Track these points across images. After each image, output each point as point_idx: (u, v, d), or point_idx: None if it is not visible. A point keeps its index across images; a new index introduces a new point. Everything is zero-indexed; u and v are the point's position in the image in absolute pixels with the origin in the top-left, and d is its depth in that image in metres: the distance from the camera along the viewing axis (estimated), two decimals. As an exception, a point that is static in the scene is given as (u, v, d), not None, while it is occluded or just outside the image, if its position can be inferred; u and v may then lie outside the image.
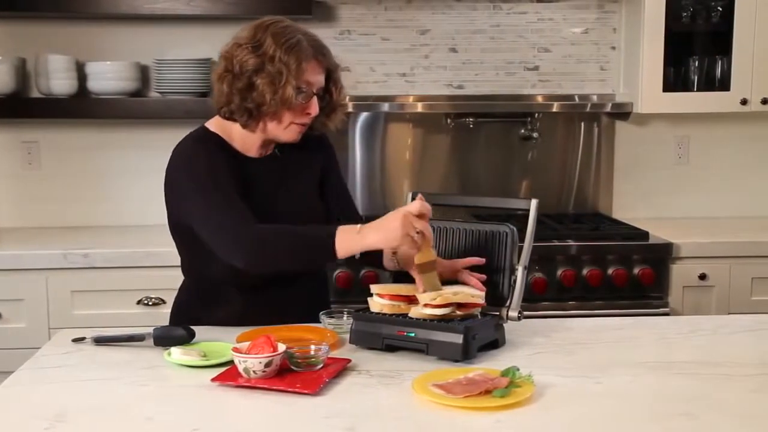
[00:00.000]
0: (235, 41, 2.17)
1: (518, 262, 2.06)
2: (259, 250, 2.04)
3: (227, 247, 2.07)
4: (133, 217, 3.70)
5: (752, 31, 3.54)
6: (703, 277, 3.31)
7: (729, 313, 3.29)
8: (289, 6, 3.47)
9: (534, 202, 2.06)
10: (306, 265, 2.15)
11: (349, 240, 1.98)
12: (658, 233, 3.40)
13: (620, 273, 3.26)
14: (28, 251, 3.21)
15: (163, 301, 3.19)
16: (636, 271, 3.28)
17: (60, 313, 3.16)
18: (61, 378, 1.85)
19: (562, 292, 3.26)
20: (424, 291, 1.97)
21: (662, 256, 3.30)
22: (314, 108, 2.16)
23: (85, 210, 3.71)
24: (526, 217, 2.09)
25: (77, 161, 3.70)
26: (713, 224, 3.73)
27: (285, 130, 2.17)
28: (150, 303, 3.19)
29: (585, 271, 3.27)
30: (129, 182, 3.72)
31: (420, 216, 1.94)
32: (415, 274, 2.01)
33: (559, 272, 3.26)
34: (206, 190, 2.10)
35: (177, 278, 3.16)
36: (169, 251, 3.17)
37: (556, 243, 3.29)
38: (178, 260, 3.16)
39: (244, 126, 2.16)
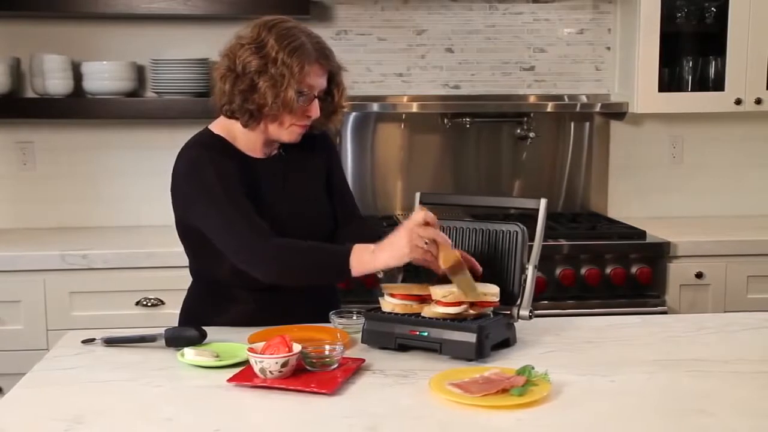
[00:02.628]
0: (238, 40, 2.16)
1: (528, 261, 2.07)
2: (276, 266, 2.09)
3: (246, 261, 2.11)
4: (129, 218, 3.69)
5: (746, 31, 3.57)
6: (699, 275, 3.34)
7: (725, 311, 3.32)
8: (287, 6, 3.46)
9: (543, 202, 2.07)
10: (321, 281, 2.21)
11: (362, 261, 2.01)
12: (653, 232, 3.43)
13: (618, 272, 3.28)
14: (26, 252, 3.18)
15: (162, 302, 3.18)
16: (634, 270, 3.30)
17: (58, 315, 3.15)
18: (75, 379, 1.85)
19: (561, 291, 3.28)
20: (463, 293, 1.94)
21: (659, 254, 3.33)
22: (315, 111, 2.17)
23: (80, 211, 3.69)
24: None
25: (72, 162, 3.68)
26: (708, 223, 3.76)
27: (286, 131, 2.18)
28: (149, 304, 3.18)
29: (583, 270, 3.29)
30: (125, 183, 3.71)
31: (426, 224, 1.95)
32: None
33: (557, 271, 3.27)
34: (219, 203, 2.12)
35: (176, 279, 3.15)
36: (168, 252, 3.20)
37: (555, 242, 3.30)
38: (176, 261, 3.16)
39: (245, 125, 2.17)
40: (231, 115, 2.17)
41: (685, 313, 3.26)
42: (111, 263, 3.17)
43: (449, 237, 2.07)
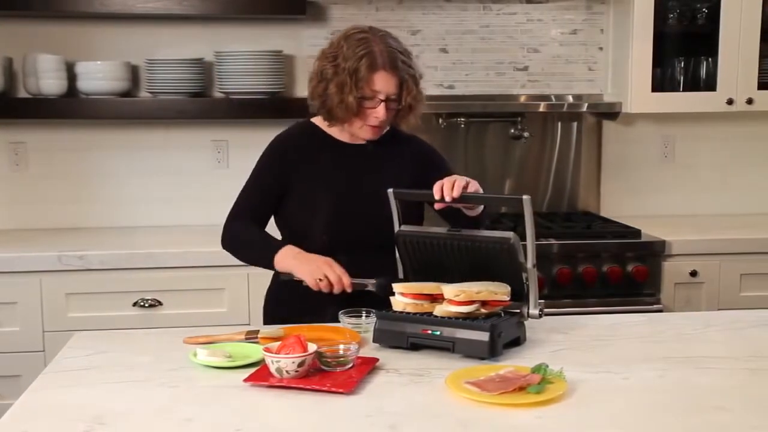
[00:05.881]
0: (325, 48, 2.38)
1: (526, 261, 2.05)
2: (225, 245, 2.44)
3: None
4: (125, 219, 3.67)
5: (737, 32, 3.60)
6: (693, 273, 3.37)
7: (719, 309, 3.35)
8: (284, 6, 3.47)
9: (526, 199, 2.01)
10: (256, 265, 2.43)
11: (283, 261, 2.28)
12: (646, 231, 3.45)
13: (614, 270, 3.31)
14: (21, 253, 3.16)
15: (160, 303, 3.17)
16: (629, 268, 3.33)
17: (54, 316, 3.12)
18: (90, 380, 1.84)
19: (558, 289, 3.30)
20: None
21: (654, 253, 3.35)
22: (381, 113, 2.31)
23: (75, 212, 3.66)
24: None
25: (66, 162, 3.65)
26: (700, 222, 3.80)
27: (359, 130, 2.37)
28: (146, 305, 3.16)
29: (580, 269, 3.31)
30: (120, 183, 3.68)
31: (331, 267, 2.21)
32: None
33: (554, 270, 3.29)
34: (250, 177, 2.45)
35: (174, 280, 3.16)
36: (166, 252, 3.19)
37: (552, 241, 3.32)
38: (174, 261, 3.19)
39: (326, 121, 2.40)
40: (317, 113, 2.41)
41: (681, 311, 3.29)
42: (108, 264, 3.15)
43: (443, 252, 2.10)
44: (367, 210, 2.34)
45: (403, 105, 2.34)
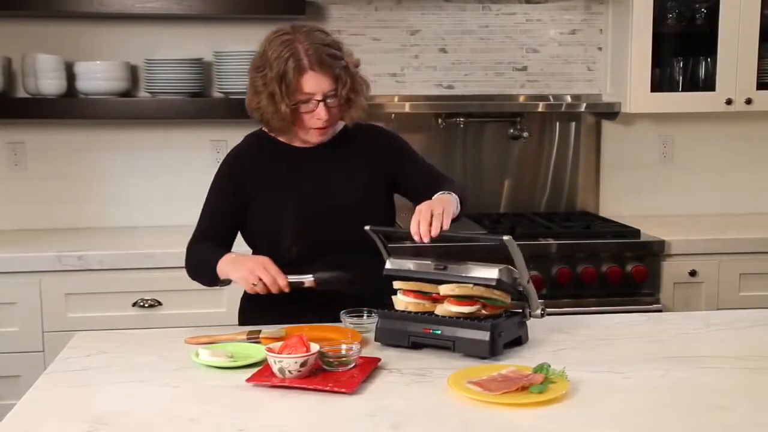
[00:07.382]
0: (253, 59, 2.29)
1: (520, 277, 2.03)
2: (187, 270, 2.35)
3: None
4: (124, 219, 3.67)
5: (736, 32, 3.61)
6: (693, 273, 3.37)
7: (718, 309, 3.36)
8: (283, 6, 3.47)
9: (508, 240, 1.96)
10: (204, 282, 2.33)
11: (223, 268, 2.20)
12: (645, 231, 3.46)
13: (614, 270, 3.31)
14: (21, 254, 3.15)
15: (160, 303, 3.16)
16: (629, 268, 3.33)
17: (54, 317, 3.12)
18: (91, 380, 1.84)
19: (557, 289, 3.30)
20: None
21: (654, 253, 3.36)
22: (322, 114, 2.23)
23: (74, 212, 3.65)
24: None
25: (65, 162, 3.65)
26: (699, 222, 3.80)
27: (306, 135, 2.29)
28: (146, 305, 3.16)
29: (579, 269, 3.31)
30: (119, 183, 3.68)
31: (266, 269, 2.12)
32: None
33: (553, 270, 3.29)
34: (206, 200, 2.38)
35: (173, 280, 3.15)
36: (165, 252, 3.19)
37: (551, 241, 3.32)
38: (174, 262, 3.16)
39: (270, 133, 2.33)
40: (261, 125, 2.35)
41: (680, 311, 3.29)
42: (107, 264, 3.15)
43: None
44: (332, 213, 2.29)
45: (343, 98, 2.24)
